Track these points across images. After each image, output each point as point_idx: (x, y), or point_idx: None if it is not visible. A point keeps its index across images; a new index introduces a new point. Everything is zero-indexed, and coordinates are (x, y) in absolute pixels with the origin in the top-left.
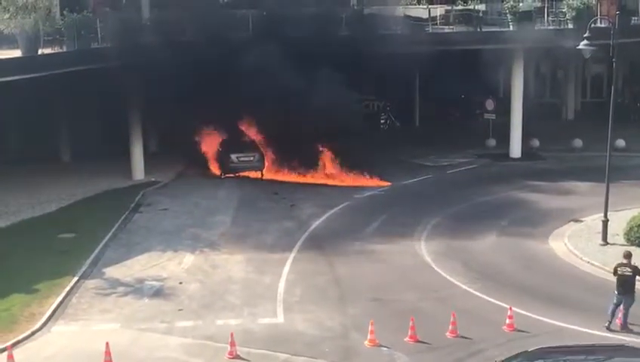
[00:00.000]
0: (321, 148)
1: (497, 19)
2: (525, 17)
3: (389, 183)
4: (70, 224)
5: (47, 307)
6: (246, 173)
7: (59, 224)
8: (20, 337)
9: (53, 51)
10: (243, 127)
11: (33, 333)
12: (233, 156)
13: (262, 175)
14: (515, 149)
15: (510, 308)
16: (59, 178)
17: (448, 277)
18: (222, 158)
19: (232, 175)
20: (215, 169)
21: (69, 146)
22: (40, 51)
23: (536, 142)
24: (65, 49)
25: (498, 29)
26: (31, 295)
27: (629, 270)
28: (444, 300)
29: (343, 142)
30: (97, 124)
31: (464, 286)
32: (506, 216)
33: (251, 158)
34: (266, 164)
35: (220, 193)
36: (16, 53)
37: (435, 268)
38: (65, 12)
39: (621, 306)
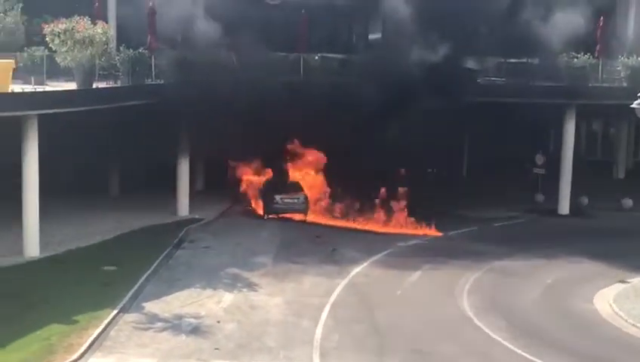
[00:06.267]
0: (370, 195)
1: (551, 73)
2: (579, 73)
3: (440, 233)
4: (113, 257)
5: (86, 338)
6: (289, 215)
7: (102, 256)
8: None
9: (107, 85)
10: (290, 168)
11: None
12: (277, 197)
13: (305, 217)
14: (564, 206)
15: None
16: (105, 211)
17: (490, 332)
18: (266, 199)
19: (275, 216)
20: (259, 209)
21: (118, 180)
22: (95, 85)
23: (585, 200)
24: (119, 84)
25: (551, 84)
26: (70, 325)
27: None
28: (484, 356)
29: (391, 191)
30: (146, 160)
31: (505, 343)
32: (551, 274)
33: (295, 200)
34: (310, 206)
35: (263, 234)
36: (72, 85)
37: (477, 323)
38: (121, 48)
39: None
